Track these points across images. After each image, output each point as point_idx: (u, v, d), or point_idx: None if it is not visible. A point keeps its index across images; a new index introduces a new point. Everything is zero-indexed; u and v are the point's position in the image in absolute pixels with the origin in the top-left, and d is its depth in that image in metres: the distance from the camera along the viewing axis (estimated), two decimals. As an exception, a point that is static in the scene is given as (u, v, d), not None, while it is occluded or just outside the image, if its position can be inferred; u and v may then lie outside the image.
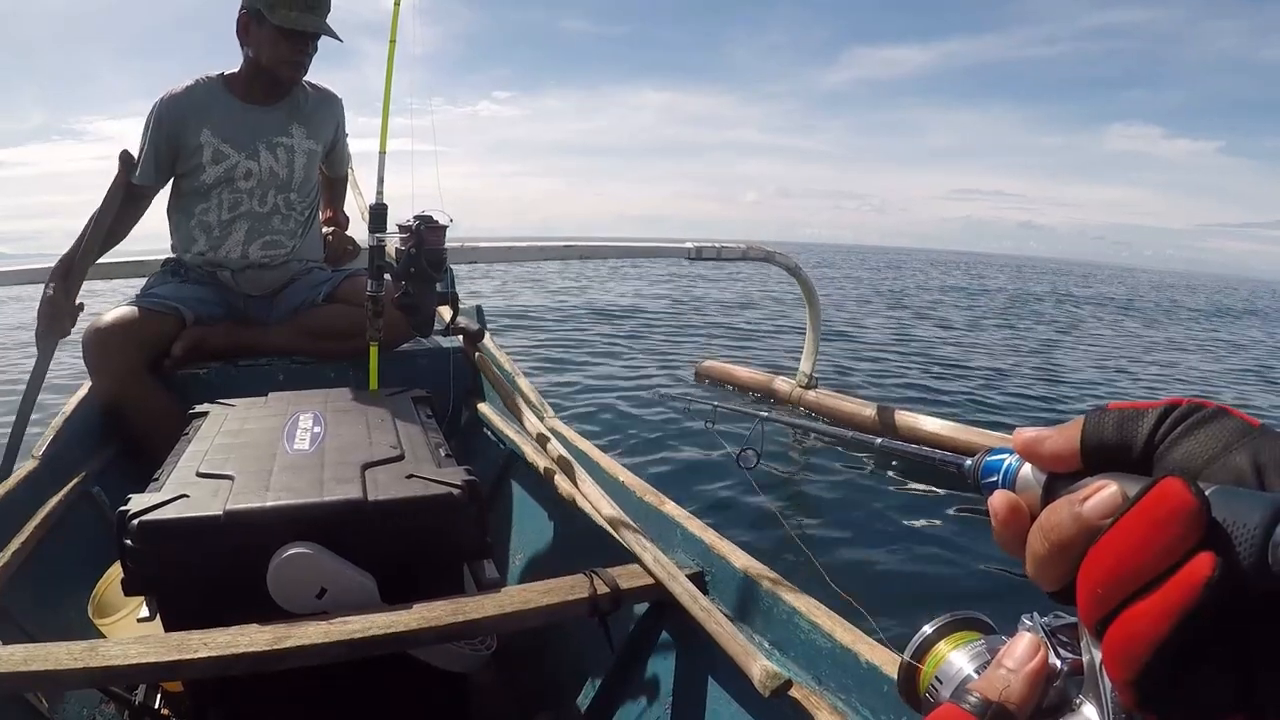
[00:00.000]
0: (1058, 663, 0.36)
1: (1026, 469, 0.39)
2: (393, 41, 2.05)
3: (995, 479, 0.40)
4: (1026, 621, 0.38)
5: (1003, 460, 0.41)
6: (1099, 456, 0.35)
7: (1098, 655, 0.32)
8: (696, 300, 14.52)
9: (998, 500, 0.37)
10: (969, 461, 0.44)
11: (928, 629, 0.44)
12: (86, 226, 2.23)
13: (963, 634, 0.43)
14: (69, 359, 2.42)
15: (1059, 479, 0.37)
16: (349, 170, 2.92)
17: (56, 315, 2.10)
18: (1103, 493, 0.31)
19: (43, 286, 2.15)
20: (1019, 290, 21.83)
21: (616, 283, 18.05)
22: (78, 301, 2.16)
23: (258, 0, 2.27)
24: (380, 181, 2.06)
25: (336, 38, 2.41)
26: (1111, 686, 0.32)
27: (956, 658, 0.42)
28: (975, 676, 0.40)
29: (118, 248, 2.41)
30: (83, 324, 2.21)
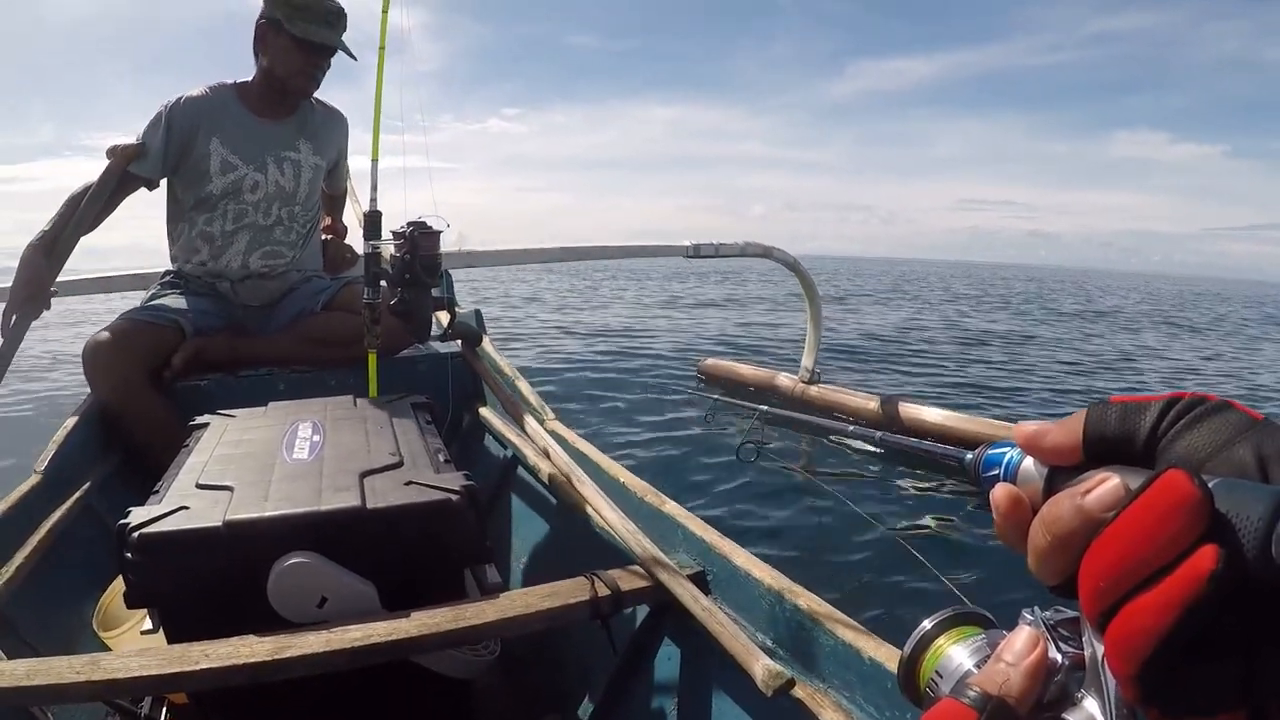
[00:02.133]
0: (1059, 657, 0.35)
1: (1028, 462, 0.38)
2: (382, 48, 2.06)
3: (996, 472, 0.40)
4: (1027, 616, 0.37)
5: (1004, 453, 0.40)
6: (1101, 450, 0.35)
7: (1100, 649, 0.32)
8: (697, 301, 14.50)
9: (999, 493, 0.37)
10: (970, 455, 0.44)
11: (927, 624, 0.44)
12: (69, 204, 2.25)
13: (963, 629, 0.43)
14: (69, 378, 2.43)
15: (1061, 472, 0.36)
16: (348, 183, 2.93)
17: (36, 293, 2.12)
18: (1105, 485, 0.31)
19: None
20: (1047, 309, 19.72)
21: (618, 292, 18.04)
22: (53, 287, 2.18)
23: (276, 10, 2.29)
24: (374, 188, 2.06)
25: (351, 55, 2.43)
26: (1114, 681, 0.31)
27: (956, 652, 0.42)
28: (976, 671, 0.39)
29: (113, 264, 2.43)
30: (82, 334, 2.21)
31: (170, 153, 2.39)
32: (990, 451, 0.41)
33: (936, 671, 0.42)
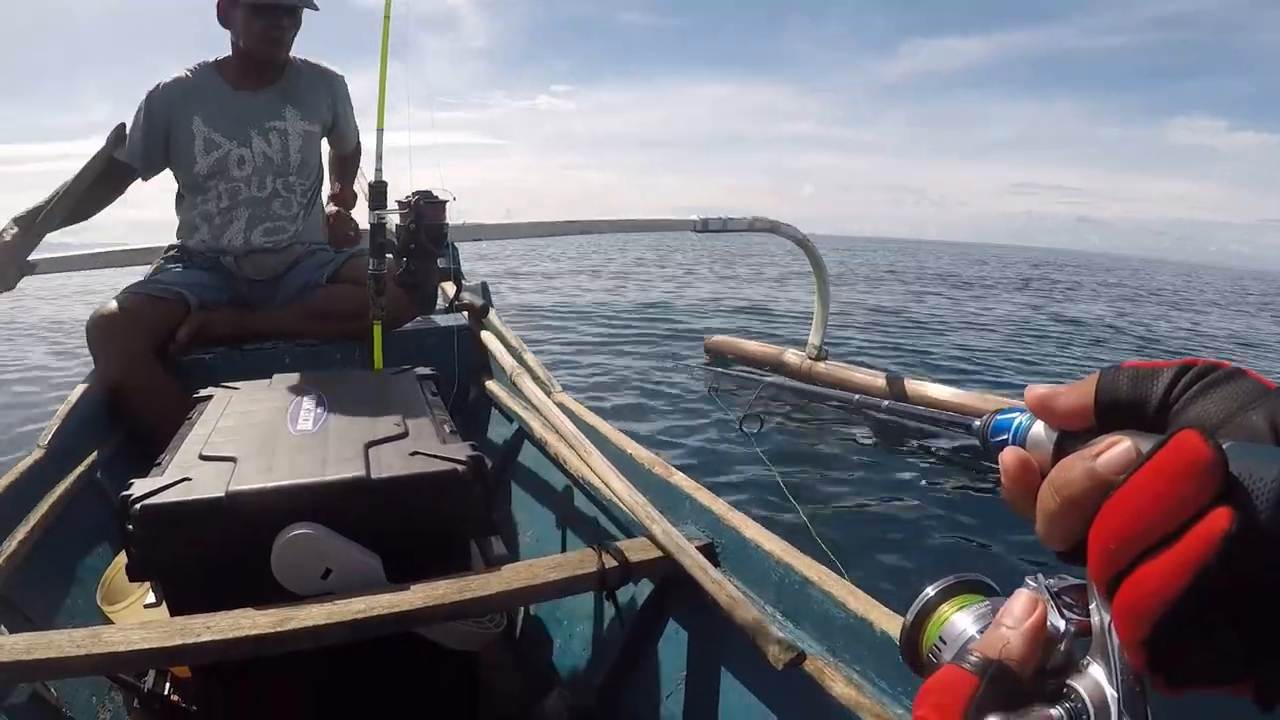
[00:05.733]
0: (1062, 623, 0.34)
1: (1037, 427, 0.38)
2: (387, 18, 2.03)
3: (1005, 437, 0.39)
4: (1030, 583, 0.37)
5: (1013, 419, 0.40)
6: (1112, 414, 0.34)
7: (1107, 616, 0.31)
8: (707, 277, 14.48)
9: (1008, 456, 0.36)
10: (978, 422, 0.44)
11: (930, 591, 0.43)
12: (60, 186, 2.24)
13: (966, 596, 0.42)
14: (76, 347, 2.43)
15: (1070, 437, 0.36)
16: (359, 144, 2.85)
17: (4, 262, 2.11)
18: (1117, 447, 0.30)
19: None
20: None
21: (627, 268, 18.03)
22: (31, 259, 2.17)
23: None
24: (379, 159, 2.04)
25: (312, 6, 2.39)
26: (1120, 647, 0.31)
27: (960, 619, 0.41)
28: (979, 638, 0.38)
29: (121, 238, 2.42)
30: (86, 310, 2.21)
31: (152, 140, 2.38)
32: (999, 417, 0.41)
33: (940, 638, 0.41)
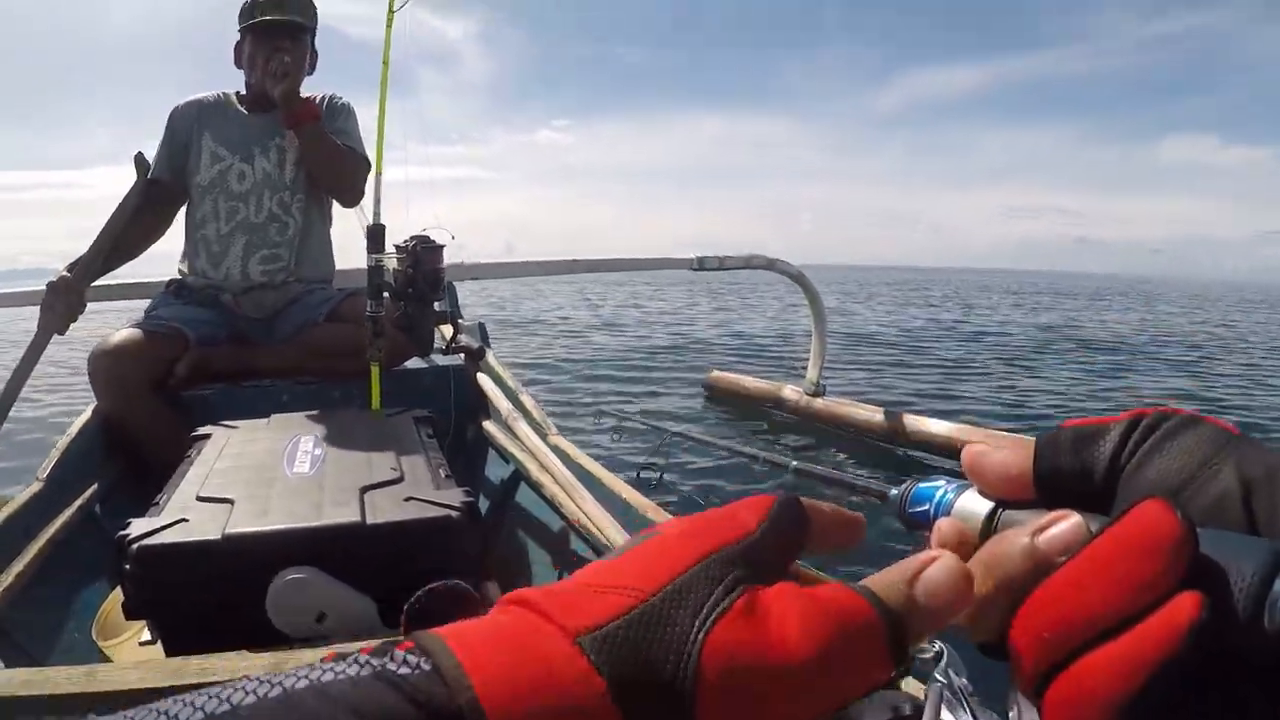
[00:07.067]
0: None
1: (966, 499, 0.33)
2: (385, 63, 2.07)
3: (926, 508, 0.35)
4: (939, 679, 0.34)
5: (936, 488, 0.35)
6: (1055, 484, 0.30)
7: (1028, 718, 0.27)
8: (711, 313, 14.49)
9: (946, 525, 0.32)
10: (895, 490, 0.39)
11: None
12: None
13: None
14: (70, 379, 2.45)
15: (1008, 509, 0.31)
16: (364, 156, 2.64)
17: (55, 305, 2.22)
18: (1065, 523, 0.26)
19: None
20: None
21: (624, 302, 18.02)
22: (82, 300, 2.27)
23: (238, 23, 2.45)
24: (377, 202, 2.07)
25: (305, 23, 2.48)
26: None
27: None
28: None
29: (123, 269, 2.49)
30: (83, 340, 2.26)
31: (174, 152, 2.51)
32: (920, 485, 0.37)
33: None
